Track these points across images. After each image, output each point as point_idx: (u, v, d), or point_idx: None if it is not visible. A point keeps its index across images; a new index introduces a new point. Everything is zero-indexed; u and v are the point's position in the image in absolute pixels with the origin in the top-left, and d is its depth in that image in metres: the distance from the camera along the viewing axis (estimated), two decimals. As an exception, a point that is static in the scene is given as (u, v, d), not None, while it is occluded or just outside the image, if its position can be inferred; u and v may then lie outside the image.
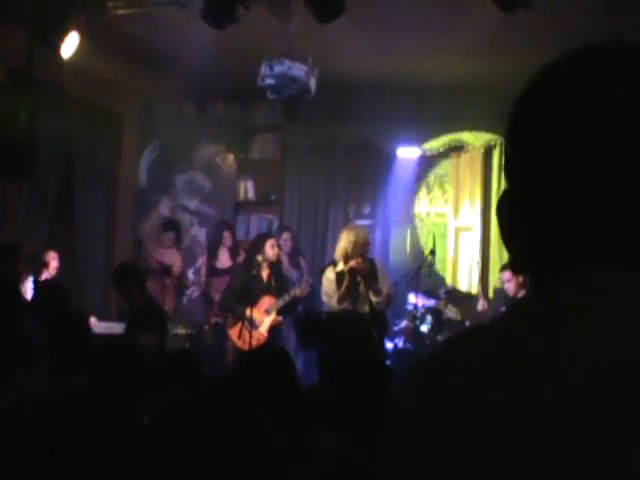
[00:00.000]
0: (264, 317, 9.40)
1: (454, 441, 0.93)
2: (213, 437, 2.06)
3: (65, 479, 3.39)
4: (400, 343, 9.31)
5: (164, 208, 12.21)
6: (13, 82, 9.12)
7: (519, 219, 1.01)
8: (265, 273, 9.56)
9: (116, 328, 9.06)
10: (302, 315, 9.05)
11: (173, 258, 11.22)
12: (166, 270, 10.97)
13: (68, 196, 10.89)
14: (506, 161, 1.05)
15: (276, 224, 11.71)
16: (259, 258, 9.61)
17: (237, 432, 2.05)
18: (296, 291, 9.59)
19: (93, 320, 9.01)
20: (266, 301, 9.48)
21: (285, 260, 10.58)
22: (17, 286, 7.68)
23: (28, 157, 8.76)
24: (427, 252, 9.76)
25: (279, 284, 9.59)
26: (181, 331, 10.32)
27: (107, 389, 3.92)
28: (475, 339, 1.01)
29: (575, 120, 0.97)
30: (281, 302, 9.41)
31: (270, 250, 9.56)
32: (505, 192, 1.04)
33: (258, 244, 9.72)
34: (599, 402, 0.85)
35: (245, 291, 9.42)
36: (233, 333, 9.48)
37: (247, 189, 12.06)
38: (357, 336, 7.65)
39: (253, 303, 9.30)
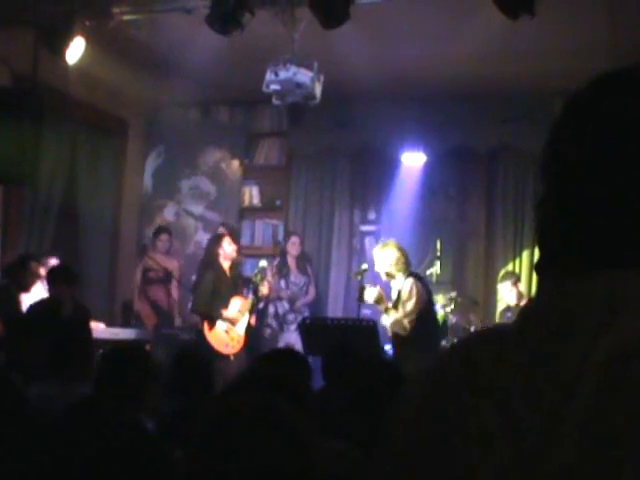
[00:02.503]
0: (240, 317, 9.46)
1: (451, 446, 0.93)
2: (227, 439, 2.06)
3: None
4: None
5: (169, 213, 12.22)
6: (18, 88, 9.13)
7: (548, 222, 1.02)
8: (228, 275, 9.65)
9: (120, 333, 9.08)
10: (307, 320, 9.05)
11: (171, 262, 11.25)
12: (168, 275, 10.98)
13: (72, 201, 10.88)
14: (542, 166, 1.05)
15: (281, 229, 11.72)
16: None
17: (250, 434, 2.05)
18: (262, 290, 9.65)
19: (102, 326, 9.03)
20: (237, 301, 9.55)
21: (293, 265, 10.61)
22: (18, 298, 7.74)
23: (32, 163, 8.76)
24: (433, 257, 9.75)
25: (238, 286, 9.67)
26: (186, 336, 10.33)
27: (112, 395, 3.92)
28: (488, 345, 1.01)
29: (608, 136, 0.97)
30: (250, 301, 9.46)
31: (228, 247, 9.65)
32: (541, 194, 1.04)
33: (215, 243, 9.82)
34: (608, 414, 0.85)
35: (215, 292, 9.50)
36: (213, 337, 9.47)
37: (252, 194, 12.06)
38: (363, 342, 7.67)
39: (226, 303, 9.50)
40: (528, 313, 1.01)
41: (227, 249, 9.68)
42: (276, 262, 10.57)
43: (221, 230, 11.20)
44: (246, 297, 9.63)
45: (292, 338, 10.12)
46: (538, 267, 1.03)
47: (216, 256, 9.70)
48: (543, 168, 1.04)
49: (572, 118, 1.03)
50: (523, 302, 9.17)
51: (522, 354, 0.94)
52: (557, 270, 0.99)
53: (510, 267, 10.52)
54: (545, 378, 0.90)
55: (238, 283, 9.78)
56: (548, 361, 0.91)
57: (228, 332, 9.45)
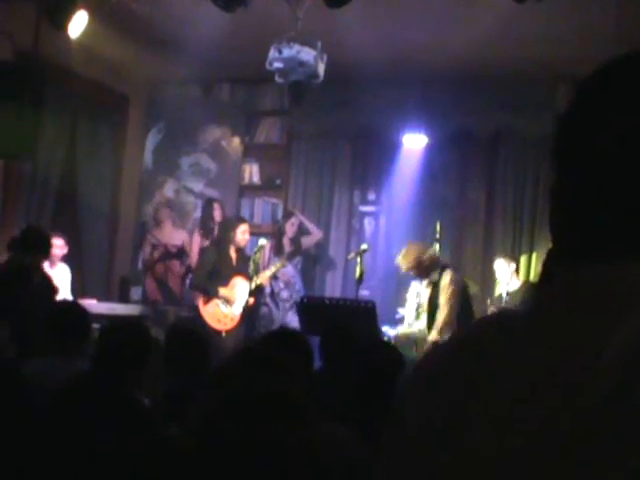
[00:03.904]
0: (238, 297, 9.53)
1: (459, 437, 0.92)
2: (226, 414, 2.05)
3: (67, 460, 3.39)
4: (402, 330, 9.31)
5: (169, 190, 12.20)
6: (20, 62, 9.09)
7: (562, 209, 1.01)
8: (233, 255, 9.72)
9: (118, 309, 9.09)
10: (305, 300, 9.06)
11: (178, 235, 11.34)
12: (175, 252, 11.07)
13: (72, 177, 10.86)
14: (553, 152, 1.04)
15: (280, 208, 11.72)
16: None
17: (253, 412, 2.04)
18: (265, 275, 9.70)
19: (94, 302, 9.04)
20: (238, 281, 9.60)
21: (287, 245, 10.60)
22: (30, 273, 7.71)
23: (31, 138, 8.74)
24: (432, 240, 9.74)
25: (246, 266, 9.70)
26: (184, 313, 10.39)
27: (110, 371, 3.92)
28: (497, 332, 1.00)
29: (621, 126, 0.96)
30: (253, 284, 9.50)
31: (240, 235, 9.71)
32: (553, 181, 1.03)
33: (230, 227, 9.89)
34: (624, 404, 0.84)
35: (216, 271, 9.58)
36: (206, 312, 9.59)
37: (252, 173, 12.05)
38: (361, 323, 7.68)
39: (225, 282, 9.64)
40: (541, 301, 1.00)
41: (239, 236, 9.76)
42: (273, 243, 10.63)
43: (216, 207, 11.26)
44: (248, 278, 9.64)
45: (287, 316, 10.17)
46: (552, 255, 1.02)
47: (227, 239, 9.78)
48: (555, 154, 1.03)
49: (586, 102, 1.01)
50: (515, 282, 9.27)
51: (535, 343, 0.93)
52: (572, 258, 0.98)
53: (509, 251, 10.52)
54: (558, 369, 0.89)
55: (242, 264, 9.79)
56: (563, 351, 0.90)
57: (221, 309, 9.55)
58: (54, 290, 7.65)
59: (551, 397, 0.87)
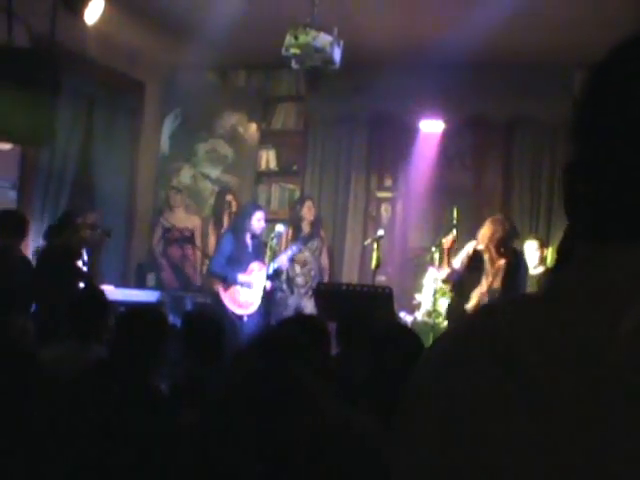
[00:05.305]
0: (256, 282, 9.61)
1: (479, 424, 0.91)
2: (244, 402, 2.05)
3: (83, 445, 3.41)
4: (419, 316, 9.30)
5: (185, 176, 12.22)
6: (36, 48, 9.10)
7: (581, 189, 0.99)
8: (249, 242, 9.78)
9: (135, 295, 9.12)
10: (322, 286, 9.06)
11: (194, 224, 11.38)
12: (188, 237, 11.12)
13: (88, 163, 10.90)
14: (574, 129, 1.01)
15: (297, 195, 11.71)
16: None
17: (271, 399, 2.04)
18: (282, 258, 9.74)
19: (111, 288, 9.07)
20: (255, 267, 9.67)
21: (307, 230, 10.59)
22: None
23: (48, 124, 8.75)
24: (450, 225, 9.71)
25: (262, 253, 9.73)
26: (200, 299, 10.43)
27: (128, 358, 3.93)
28: (515, 313, 0.98)
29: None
30: (270, 269, 9.55)
31: (256, 223, 9.76)
32: (572, 160, 1.01)
33: (246, 215, 9.94)
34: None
35: (234, 257, 9.64)
36: (227, 298, 9.66)
37: (269, 159, 12.05)
38: (378, 309, 7.67)
39: (244, 269, 9.74)
40: (557, 283, 0.99)
41: (255, 224, 9.83)
42: (291, 231, 10.62)
43: (229, 198, 11.30)
44: (265, 263, 9.69)
45: (302, 302, 10.18)
46: (568, 237, 1.01)
47: (242, 226, 9.84)
48: (576, 131, 1.01)
49: (601, 80, 1.00)
50: (540, 268, 9.16)
51: (549, 325, 0.92)
52: (587, 239, 0.97)
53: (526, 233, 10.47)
54: (574, 350, 0.88)
55: (259, 251, 9.85)
56: (579, 332, 0.89)
57: (242, 294, 9.62)
58: (32, 272, 7.73)
59: (568, 373, 0.87)
